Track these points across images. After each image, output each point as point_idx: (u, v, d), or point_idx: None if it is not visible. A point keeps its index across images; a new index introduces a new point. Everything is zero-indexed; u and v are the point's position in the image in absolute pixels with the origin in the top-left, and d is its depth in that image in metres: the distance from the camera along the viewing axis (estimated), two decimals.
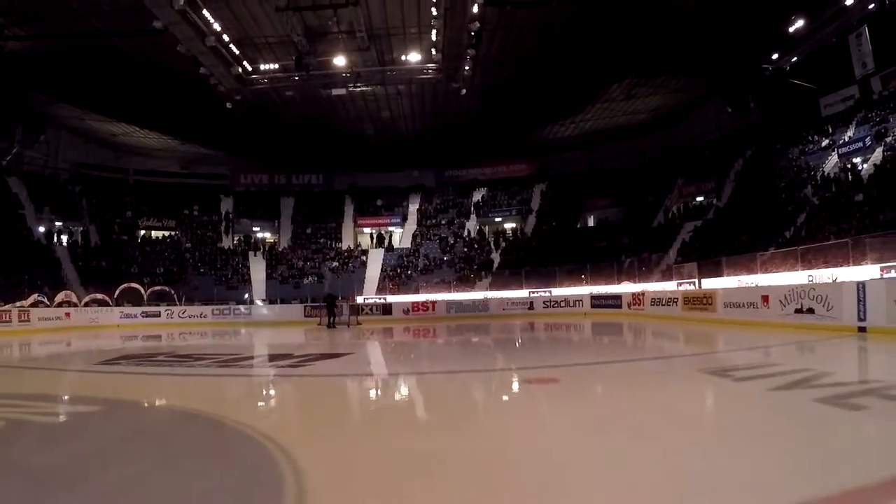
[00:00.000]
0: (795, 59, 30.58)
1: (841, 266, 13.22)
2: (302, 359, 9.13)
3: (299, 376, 7.64)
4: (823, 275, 13.69)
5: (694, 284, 19.52)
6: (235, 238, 38.50)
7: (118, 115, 34.80)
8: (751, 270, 16.53)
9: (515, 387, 6.73)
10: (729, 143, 36.98)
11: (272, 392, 6.91)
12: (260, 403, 6.12)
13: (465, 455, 3.47)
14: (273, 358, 9.89)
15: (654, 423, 4.14)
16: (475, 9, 20.33)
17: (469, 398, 6.04)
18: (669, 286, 19.86)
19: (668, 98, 36.31)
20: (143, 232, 36.90)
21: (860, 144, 27.94)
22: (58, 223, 34.25)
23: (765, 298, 11.93)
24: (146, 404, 6.01)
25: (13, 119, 35.49)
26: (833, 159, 28.91)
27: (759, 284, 14.89)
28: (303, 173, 44.01)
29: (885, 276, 11.34)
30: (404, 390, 6.85)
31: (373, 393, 6.80)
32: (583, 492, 2.79)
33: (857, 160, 27.61)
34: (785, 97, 33.47)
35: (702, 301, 14.37)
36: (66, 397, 6.59)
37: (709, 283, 19.16)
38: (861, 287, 9.68)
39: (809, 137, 32.01)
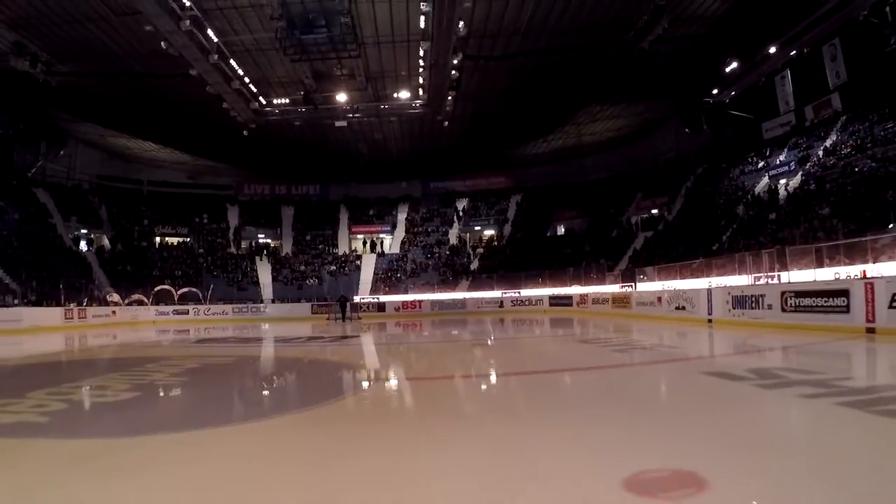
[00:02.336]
0: (734, 93, 35.51)
1: (701, 276, 17.96)
2: (333, 338, 13.70)
3: (339, 345, 12.22)
4: (715, 282, 18.37)
5: (632, 287, 24.24)
6: (243, 244, 42.66)
7: (137, 133, 38.70)
8: (671, 276, 21.21)
9: (464, 346, 11.39)
10: (684, 161, 41.42)
11: (329, 351, 11.35)
12: (329, 355, 10.58)
13: (437, 357, 8.01)
14: (312, 339, 14.35)
15: (522, 352, 8.72)
16: (455, 61, 24.86)
17: (438, 349, 10.65)
18: (612, 288, 24.57)
19: (630, 119, 40.79)
20: (158, 239, 40.88)
21: (786, 168, 32.37)
22: (83, 231, 38.07)
23: (658, 299, 16.65)
24: (266, 356, 10.40)
25: (37, 134, 39.18)
26: (765, 180, 33.48)
27: (659, 289, 19.59)
28: (301, 184, 48.18)
29: (723, 284, 16.05)
30: (403, 348, 11.41)
31: (384, 350, 11.35)
32: (472, 360, 7.35)
33: (782, 182, 32.24)
34: (733, 121, 38.07)
35: (622, 301, 19.08)
36: (211, 356, 10.72)
37: (643, 286, 23.89)
38: (709, 292, 14.39)
39: (749, 159, 36.54)
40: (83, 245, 37.07)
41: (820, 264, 13.35)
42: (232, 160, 44.27)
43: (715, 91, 35.27)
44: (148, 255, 37.95)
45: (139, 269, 35.33)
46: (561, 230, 44.47)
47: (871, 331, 9.65)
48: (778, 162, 33.37)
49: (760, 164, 34.98)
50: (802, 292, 11.21)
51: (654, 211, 40.00)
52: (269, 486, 2.98)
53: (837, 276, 13.88)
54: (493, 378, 7.34)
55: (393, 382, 7.03)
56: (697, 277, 17.95)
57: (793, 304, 11.32)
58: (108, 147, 42.43)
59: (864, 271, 12.25)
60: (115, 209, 40.55)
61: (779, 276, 16.31)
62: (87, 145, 42.18)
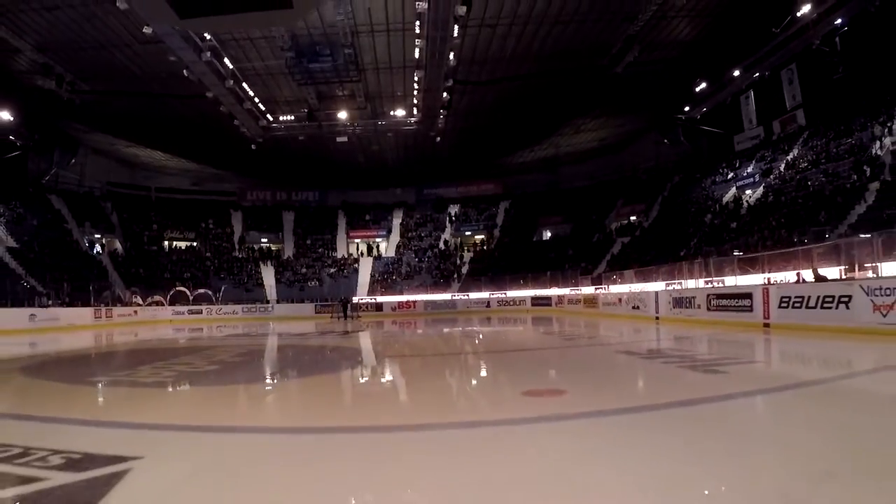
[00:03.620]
0: (704, 109, 38.41)
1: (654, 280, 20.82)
2: (342, 333, 16.35)
3: (349, 336, 14.87)
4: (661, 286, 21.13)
5: (604, 289, 27.04)
6: (247, 247, 45.14)
7: (148, 143, 41.04)
8: (628, 280, 24.07)
9: (453, 336, 14.10)
10: (663, 170, 44.16)
11: (344, 341, 13.99)
12: (346, 343, 13.24)
13: (428, 344, 10.71)
14: (324, 333, 17.01)
15: (494, 340, 11.43)
16: (446, 85, 27.60)
17: (428, 340, 13.34)
18: (585, 290, 27.41)
19: (612, 130, 43.47)
20: (167, 243, 43.33)
21: (751, 179, 35.05)
22: (96, 235, 40.38)
23: (619, 300, 19.44)
24: (293, 344, 13.03)
25: (51, 143, 41.35)
26: (732, 190, 36.17)
27: (621, 291, 22.43)
28: (301, 190, 50.71)
29: (667, 288, 18.87)
30: (399, 339, 14.12)
31: (383, 339, 14.05)
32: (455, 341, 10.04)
33: (748, 192, 34.96)
34: (708, 133, 40.80)
35: (592, 301, 21.88)
36: (250, 345, 13.34)
37: (615, 288, 26.70)
38: (656, 294, 17.17)
39: (720, 170, 39.24)
40: (101, 249, 39.35)
41: (739, 272, 16.19)
42: (235, 168, 46.64)
43: (687, 108, 38.21)
44: (159, 259, 40.39)
45: (151, 272, 37.75)
46: (547, 235, 47.19)
47: (766, 325, 12.43)
48: (745, 174, 35.83)
49: (730, 175, 37.45)
50: (721, 295, 14.01)
51: (633, 217, 42.71)
52: (332, 403, 5.70)
53: (768, 279, 16.66)
54: (464, 353, 9.99)
55: (393, 357, 9.71)
56: (650, 281, 20.74)
57: (715, 305, 14.10)
58: (118, 155, 44.67)
59: (768, 279, 15.08)
60: (125, 214, 42.90)
61: (723, 280, 19.14)
62: (96, 153, 44.33)
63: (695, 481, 2.79)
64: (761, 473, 2.84)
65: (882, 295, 9.88)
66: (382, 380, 7.13)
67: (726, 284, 17.23)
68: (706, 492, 2.70)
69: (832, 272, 14.33)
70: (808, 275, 13.47)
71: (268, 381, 7.45)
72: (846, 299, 10.55)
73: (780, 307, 12.13)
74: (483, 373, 7.42)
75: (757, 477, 2.78)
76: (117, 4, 20.07)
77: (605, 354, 9.14)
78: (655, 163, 45.47)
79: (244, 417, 4.91)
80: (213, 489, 3.09)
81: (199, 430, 4.37)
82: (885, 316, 9.81)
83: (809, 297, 11.40)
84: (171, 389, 6.72)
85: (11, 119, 33.82)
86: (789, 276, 14.71)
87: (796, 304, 11.71)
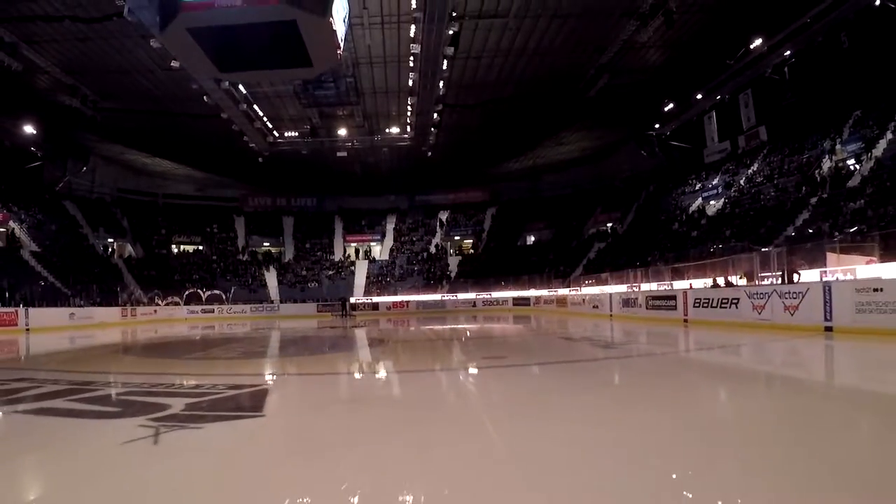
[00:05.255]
0: (674, 126, 41.94)
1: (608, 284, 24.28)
2: (346, 327, 19.61)
3: (353, 330, 18.12)
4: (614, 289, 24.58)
5: (578, 290, 30.44)
6: (250, 250, 48.20)
7: (158, 153, 43.92)
8: (595, 283, 27.55)
9: (441, 329, 17.38)
10: (639, 179, 47.52)
11: (350, 333, 17.17)
12: (353, 334, 16.44)
13: (421, 334, 14.01)
14: (332, 328, 20.21)
15: (473, 331, 14.78)
16: (436, 108, 30.93)
17: (420, 330, 16.62)
18: (560, 292, 30.83)
19: (593, 142, 46.67)
20: (175, 247, 46.27)
21: (716, 191, 38.51)
22: (109, 239, 43.24)
23: (583, 300, 22.85)
24: (311, 336, 16.25)
25: (64, 151, 44.07)
26: (699, 201, 39.54)
27: (588, 293, 25.88)
28: (299, 196, 53.78)
29: (627, 290, 22.32)
30: (396, 331, 17.42)
31: (382, 332, 17.32)
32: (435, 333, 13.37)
33: (711, 203, 38.35)
34: (679, 146, 44.20)
35: (563, 302, 25.32)
36: (275, 338, 16.59)
37: (586, 290, 30.11)
38: (610, 296, 20.58)
39: (690, 181, 42.69)
40: (116, 254, 42.22)
41: (673, 278, 19.71)
42: (237, 175, 49.58)
43: (657, 125, 41.76)
44: (168, 262, 43.35)
45: (162, 274, 40.70)
46: (530, 240, 50.55)
47: (686, 321, 15.84)
48: (711, 185, 39.08)
49: (697, 186, 40.62)
50: (655, 296, 17.43)
51: (609, 224, 46.10)
52: (357, 363, 9.02)
53: (690, 284, 20.14)
54: (448, 339, 13.24)
55: (393, 341, 12.99)
56: (612, 284, 24.23)
57: (651, 304, 17.52)
58: (126, 163, 47.35)
59: (690, 284, 18.53)
60: (134, 220, 45.75)
61: (671, 284, 22.58)
62: (106, 161, 46.94)
63: (559, 391, 6.09)
64: (592, 381, 6.18)
65: (757, 298, 13.32)
66: (388, 351, 10.37)
67: (667, 289, 20.65)
68: (566, 393, 5.99)
69: (741, 280, 17.80)
70: (722, 281, 16.90)
71: (307, 354, 10.72)
72: (735, 301, 13.99)
73: (694, 306, 15.55)
74: (458, 349, 10.69)
75: (591, 384, 6.12)
76: (151, 43, 23.24)
77: (549, 339, 12.49)
78: (632, 173, 48.53)
79: (309, 368, 8.22)
80: (317, 393, 6.39)
81: (289, 375, 7.67)
82: (759, 314, 13.24)
83: (713, 299, 14.83)
84: (247, 360, 9.97)
85: (34, 132, 36.69)
86: (709, 281, 18.13)
87: (705, 305, 15.13)
